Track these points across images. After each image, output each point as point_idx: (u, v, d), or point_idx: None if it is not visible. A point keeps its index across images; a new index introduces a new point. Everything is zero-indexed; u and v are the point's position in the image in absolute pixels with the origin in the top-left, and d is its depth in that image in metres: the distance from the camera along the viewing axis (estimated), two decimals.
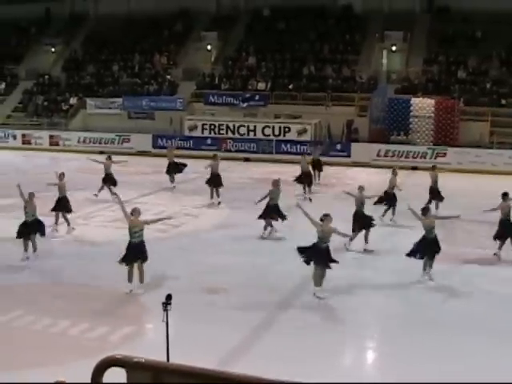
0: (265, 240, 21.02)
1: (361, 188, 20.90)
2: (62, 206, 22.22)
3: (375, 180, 29.63)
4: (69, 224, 22.12)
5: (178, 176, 30.29)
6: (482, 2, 42.74)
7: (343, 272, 17.48)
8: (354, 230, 19.84)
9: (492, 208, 20.08)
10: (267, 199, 21.70)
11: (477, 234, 22.18)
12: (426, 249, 17.11)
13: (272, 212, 21.48)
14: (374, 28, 46.76)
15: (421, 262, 17.36)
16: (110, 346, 12.22)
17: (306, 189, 28.40)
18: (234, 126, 42.07)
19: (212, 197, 26.89)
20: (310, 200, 26.91)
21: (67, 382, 5.20)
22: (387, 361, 12.78)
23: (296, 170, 29.16)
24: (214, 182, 26.93)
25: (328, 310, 14.95)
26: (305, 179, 28.63)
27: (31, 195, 19.05)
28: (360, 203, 20.53)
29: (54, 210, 22.08)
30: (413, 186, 28.45)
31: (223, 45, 50.39)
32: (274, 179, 22.32)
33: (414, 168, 36.01)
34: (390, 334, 14.00)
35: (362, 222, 20.30)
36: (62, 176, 22.41)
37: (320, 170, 31.31)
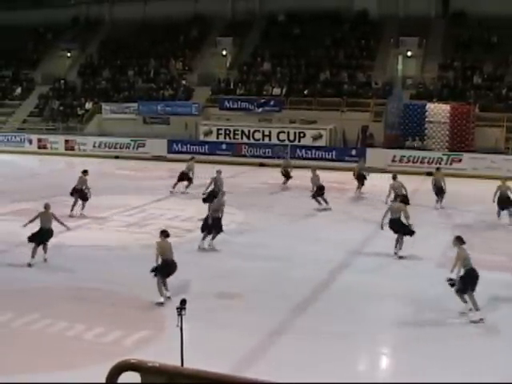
0: (278, 245, 20.93)
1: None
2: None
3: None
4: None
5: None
6: (498, 7, 42.61)
7: (357, 278, 17.47)
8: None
9: None
10: None
11: (492, 240, 22.08)
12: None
13: None
14: (390, 33, 46.68)
15: (433, 267, 17.22)
16: (124, 351, 12.22)
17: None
18: (249, 132, 42.16)
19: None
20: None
21: None
22: (401, 368, 12.71)
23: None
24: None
25: (342, 316, 14.90)
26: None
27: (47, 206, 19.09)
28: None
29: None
30: (428, 192, 28.39)
31: (238, 50, 50.48)
32: None
33: (429, 174, 35.84)
34: (404, 341, 13.92)
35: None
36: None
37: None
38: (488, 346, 13.25)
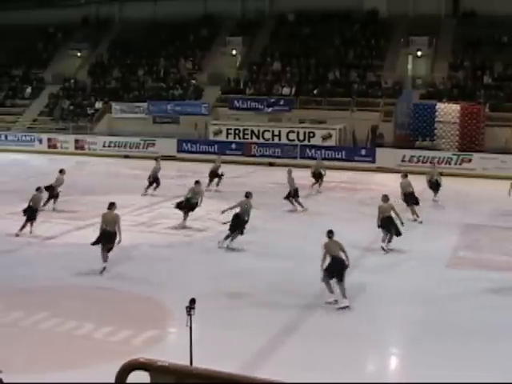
0: (288, 244, 20.92)
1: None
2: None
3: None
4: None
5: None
6: (509, 7, 42.45)
7: (366, 278, 17.44)
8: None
9: None
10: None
11: (502, 240, 21.98)
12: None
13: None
14: (400, 33, 46.61)
15: (442, 267, 17.19)
16: (133, 350, 12.22)
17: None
18: (258, 131, 42.13)
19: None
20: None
21: None
22: (410, 368, 12.68)
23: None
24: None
25: (350, 315, 14.87)
26: None
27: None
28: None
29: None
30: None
31: (248, 50, 50.45)
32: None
33: (439, 174, 35.75)
34: (413, 340, 13.87)
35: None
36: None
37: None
38: (497, 347, 13.18)
